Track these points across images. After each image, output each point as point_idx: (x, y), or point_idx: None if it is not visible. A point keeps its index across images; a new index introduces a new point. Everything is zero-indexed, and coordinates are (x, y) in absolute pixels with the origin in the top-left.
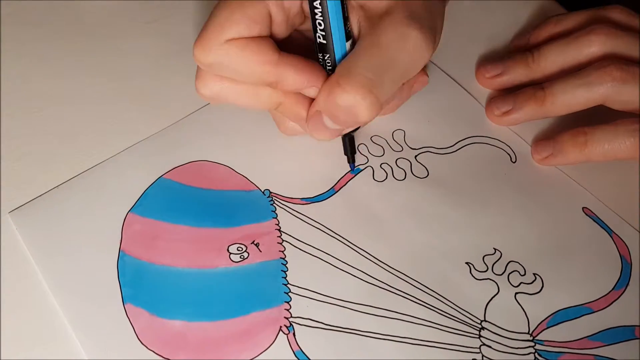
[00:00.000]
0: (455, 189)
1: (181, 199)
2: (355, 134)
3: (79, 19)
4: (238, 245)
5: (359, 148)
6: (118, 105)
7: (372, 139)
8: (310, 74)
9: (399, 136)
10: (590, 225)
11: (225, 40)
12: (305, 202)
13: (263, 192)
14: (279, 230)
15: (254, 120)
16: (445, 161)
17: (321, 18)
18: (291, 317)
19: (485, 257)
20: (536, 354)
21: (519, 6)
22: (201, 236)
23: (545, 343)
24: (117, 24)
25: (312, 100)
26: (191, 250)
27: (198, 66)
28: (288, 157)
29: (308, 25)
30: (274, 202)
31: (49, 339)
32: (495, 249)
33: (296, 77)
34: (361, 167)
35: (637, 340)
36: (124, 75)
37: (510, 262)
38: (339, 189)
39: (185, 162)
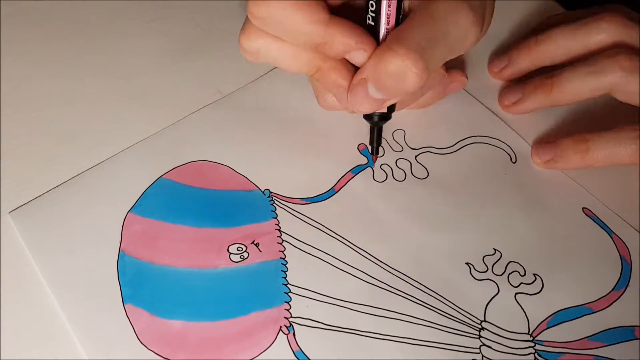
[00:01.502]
0: (456, 189)
1: (181, 199)
2: (354, 136)
3: (79, 19)
4: (238, 245)
5: (359, 148)
6: (118, 105)
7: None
8: (361, 37)
9: (399, 136)
10: (591, 225)
11: None
12: (305, 202)
13: (263, 192)
14: (279, 230)
15: (254, 120)
16: (446, 161)
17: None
18: (291, 317)
19: (485, 258)
20: (536, 354)
21: (520, 7)
22: (201, 236)
23: (545, 343)
24: (117, 23)
25: (351, 70)
26: (191, 250)
27: (246, 19)
28: (288, 157)
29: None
30: (274, 202)
31: (49, 339)
32: (495, 250)
33: (345, 39)
34: (361, 167)
35: (637, 341)
36: (124, 75)
37: (510, 262)
38: (339, 189)
39: (185, 162)
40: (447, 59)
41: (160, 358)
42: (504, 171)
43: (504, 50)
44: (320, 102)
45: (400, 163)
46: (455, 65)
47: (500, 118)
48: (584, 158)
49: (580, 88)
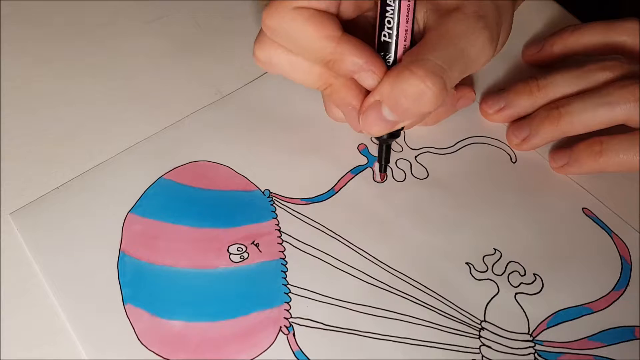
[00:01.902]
0: (455, 189)
1: (181, 199)
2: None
3: (79, 19)
4: (238, 245)
5: (359, 148)
6: (118, 105)
7: (372, 139)
8: (371, 58)
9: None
10: (591, 225)
11: (294, 7)
12: (305, 203)
13: (263, 192)
14: (279, 230)
15: (254, 120)
16: (445, 161)
17: (392, 16)
18: (291, 317)
19: (485, 258)
20: (536, 354)
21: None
22: (201, 236)
23: (545, 343)
24: (117, 23)
25: (362, 90)
26: (191, 251)
27: (260, 29)
28: (288, 157)
29: (374, 12)
30: (274, 202)
31: (50, 340)
32: (495, 249)
33: (355, 58)
34: (361, 167)
35: (637, 341)
36: (124, 75)
37: (510, 262)
38: (339, 190)
39: (186, 162)
40: (462, 77)
41: (161, 358)
42: (504, 171)
43: (493, 87)
44: (328, 114)
45: (400, 163)
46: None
47: None
48: (598, 161)
49: (592, 120)
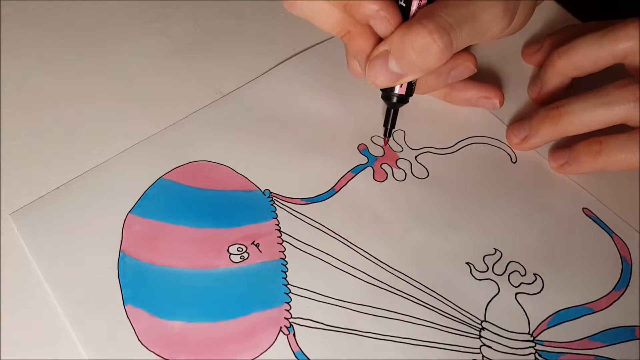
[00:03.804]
0: (456, 189)
1: (181, 199)
2: (354, 136)
3: (79, 18)
4: (238, 245)
5: (359, 148)
6: (118, 105)
7: (372, 139)
8: (387, 6)
9: (399, 136)
10: (591, 225)
11: None
12: (305, 202)
13: (263, 192)
14: (279, 230)
15: (254, 120)
16: (446, 161)
17: None
18: (291, 317)
19: (485, 257)
20: (536, 354)
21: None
22: (201, 237)
23: (546, 343)
24: (117, 23)
25: (377, 40)
26: (191, 251)
27: None
28: (288, 157)
29: None
30: (274, 202)
31: (50, 340)
32: (495, 249)
33: (372, 4)
34: (361, 167)
35: (637, 341)
36: (124, 75)
37: (510, 262)
38: (339, 189)
39: (186, 162)
40: (471, 43)
41: (161, 359)
42: (504, 171)
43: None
44: (348, 66)
45: (401, 163)
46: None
47: (499, 119)
48: (597, 160)
49: (592, 120)
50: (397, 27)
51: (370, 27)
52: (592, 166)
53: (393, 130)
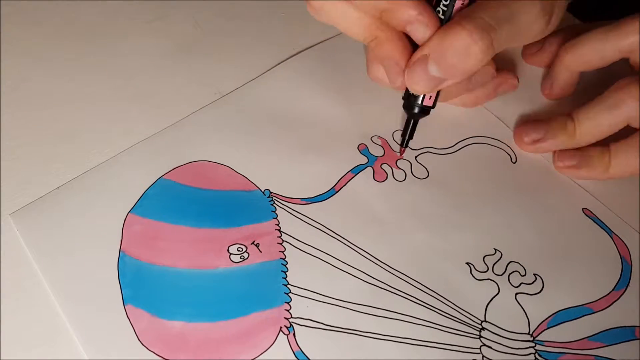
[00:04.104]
0: (456, 189)
1: (181, 199)
2: (354, 136)
3: (79, 18)
4: (238, 245)
5: (359, 148)
6: (118, 105)
7: (372, 139)
8: (425, 11)
9: (399, 136)
10: (591, 226)
11: None
12: (305, 202)
13: (263, 192)
14: (279, 230)
15: (254, 120)
16: (446, 161)
17: None
18: (291, 317)
19: (485, 258)
20: (536, 354)
21: None
22: (201, 236)
23: (546, 343)
24: (117, 23)
25: (407, 46)
26: (191, 251)
27: None
28: (288, 157)
29: None
30: (274, 202)
31: (50, 340)
32: (495, 250)
33: (410, 9)
34: (361, 167)
35: (637, 341)
36: (124, 75)
37: (510, 262)
38: (339, 189)
39: (186, 162)
40: (511, 45)
41: (161, 359)
42: (504, 172)
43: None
44: (369, 72)
45: (401, 163)
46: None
47: (499, 119)
48: (608, 170)
49: (597, 127)
50: (435, 31)
51: (399, 33)
52: (603, 175)
53: (410, 140)
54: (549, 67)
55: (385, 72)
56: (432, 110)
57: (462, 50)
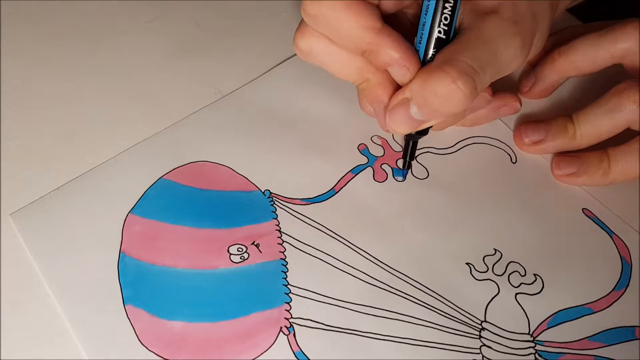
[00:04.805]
0: (456, 189)
1: (181, 199)
2: (354, 136)
3: (79, 18)
4: (238, 245)
5: (359, 148)
6: (118, 105)
7: (372, 139)
8: (407, 53)
9: (399, 136)
10: (591, 226)
11: None
12: (305, 203)
13: (263, 193)
14: (279, 230)
15: (254, 120)
16: (446, 162)
17: (449, 12)
18: (291, 317)
19: (485, 258)
20: (536, 354)
21: None
22: (201, 237)
23: (546, 343)
24: (117, 23)
25: (396, 88)
26: (191, 251)
27: (302, 19)
28: (288, 158)
29: (413, 9)
30: (274, 203)
31: (50, 340)
32: (495, 250)
33: (392, 51)
34: (361, 167)
35: (638, 341)
36: (124, 75)
37: (510, 262)
38: (339, 190)
39: (186, 162)
40: (493, 81)
41: (161, 359)
42: (504, 172)
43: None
44: (361, 107)
45: (401, 163)
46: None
47: (499, 119)
48: (607, 175)
49: (597, 130)
50: (416, 74)
51: (388, 76)
52: (603, 181)
53: (412, 161)
54: (534, 65)
55: (375, 115)
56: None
57: (445, 95)
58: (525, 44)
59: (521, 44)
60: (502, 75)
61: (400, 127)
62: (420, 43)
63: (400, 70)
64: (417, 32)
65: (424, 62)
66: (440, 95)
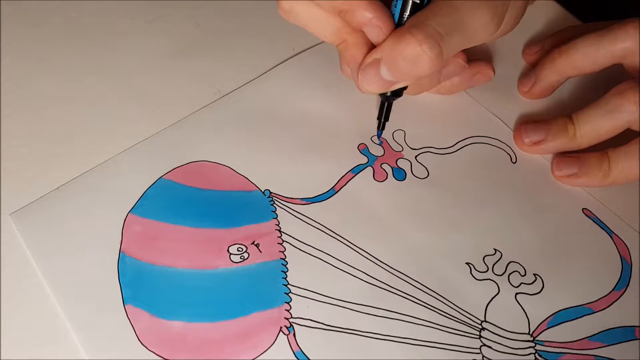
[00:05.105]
0: (456, 189)
1: (181, 199)
2: (354, 135)
3: (79, 18)
4: (238, 245)
5: (359, 148)
6: (118, 105)
7: (372, 139)
8: (380, 14)
9: (399, 136)
10: (591, 226)
11: None
12: (305, 202)
13: (263, 193)
14: (279, 230)
15: (254, 120)
16: (446, 161)
17: None
18: (291, 317)
19: (485, 258)
20: (536, 354)
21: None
22: (201, 237)
23: (546, 343)
24: (117, 23)
25: (370, 48)
26: (191, 251)
27: None
28: (288, 157)
29: None
30: (274, 203)
31: (50, 340)
32: (495, 250)
33: (366, 12)
34: (361, 167)
35: (637, 341)
36: (124, 75)
37: (510, 262)
38: (339, 189)
39: (186, 162)
40: (462, 49)
41: (161, 359)
42: (504, 171)
43: (530, 69)
44: (341, 68)
45: (401, 163)
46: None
47: (499, 119)
48: (608, 176)
49: (597, 131)
50: (388, 36)
51: (364, 37)
52: (603, 183)
53: (387, 123)
54: (533, 66)
55: (352, 75)
56: (404, 92)
57: (412, 58)
58: (495, 15)
59: (490, 15)
60: (473, 44)
61: (371, 87)
62: (395, 7)
63: (374, 30)
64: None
65: (398, 26)
66: (407, 57)
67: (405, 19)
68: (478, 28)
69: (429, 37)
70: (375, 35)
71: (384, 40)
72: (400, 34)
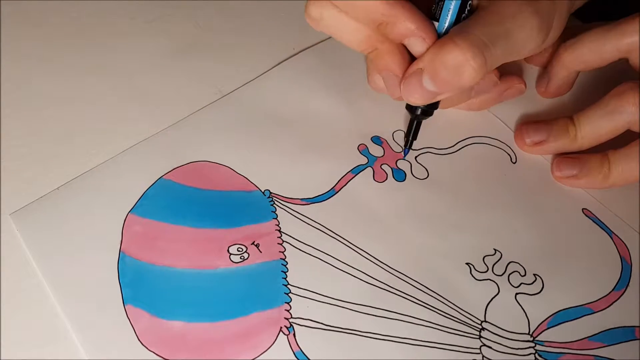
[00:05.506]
0: (456, 189)
1: (181, 199)
2: (354, 136)
3: (79, 18)
4: (238, 245)
5: (359, 148)
6: (118, 105)
7: (372, 139)
8: (423, 24)
9: (399, 137)
10: (590, 226)
11: None
12: (305, 203)
13: (263, 193)
14: (279, 230)
15: (254, 120)
16: (446, 162)
17: None
18: (291, 317)
19: (485, 258)
20: (536, 354)
21: None
22: (201, 237)
23: (546, 344)
24: (117, 23)
25: (406, 58)
26: (191, 251)
27: None
28: (288, 157)
29: None
30: (274, 203)
31: (50, 340)
32: (495, 250)
33: (407, 23)
34: (361, 167)
35: (638, 341)
36: (124, 75)
37: (510, 262)
38: (339, 190)
39: (186, 162)
40: (506, 61)
41: (161, 359)
42: (504, 172)
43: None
44: (369, 82)
45: (400, 163)
46: (512, 70)
47: (499, 119)
48: (608, 178)
49: (598, 132)
50: (431, 45)
51: (398, 45)
52: (603, 184)
53: (414, 141)
54: (546, 66)
55: (384, 83)
56: (434, 111)
57: (455, 67)
58: (543, 25)
59: (538, 25)
60: (517, 57)
61: (413, 97)
62: (438, 17)
63: (417, 41)
64: (434, 1)
65: (440, 36)
66: (451, 67)
67: (445, 28)
68: (524, 40)
69: (473, 46)
70: (418, 46)
71: (427, 50)
72: (442, 43)
